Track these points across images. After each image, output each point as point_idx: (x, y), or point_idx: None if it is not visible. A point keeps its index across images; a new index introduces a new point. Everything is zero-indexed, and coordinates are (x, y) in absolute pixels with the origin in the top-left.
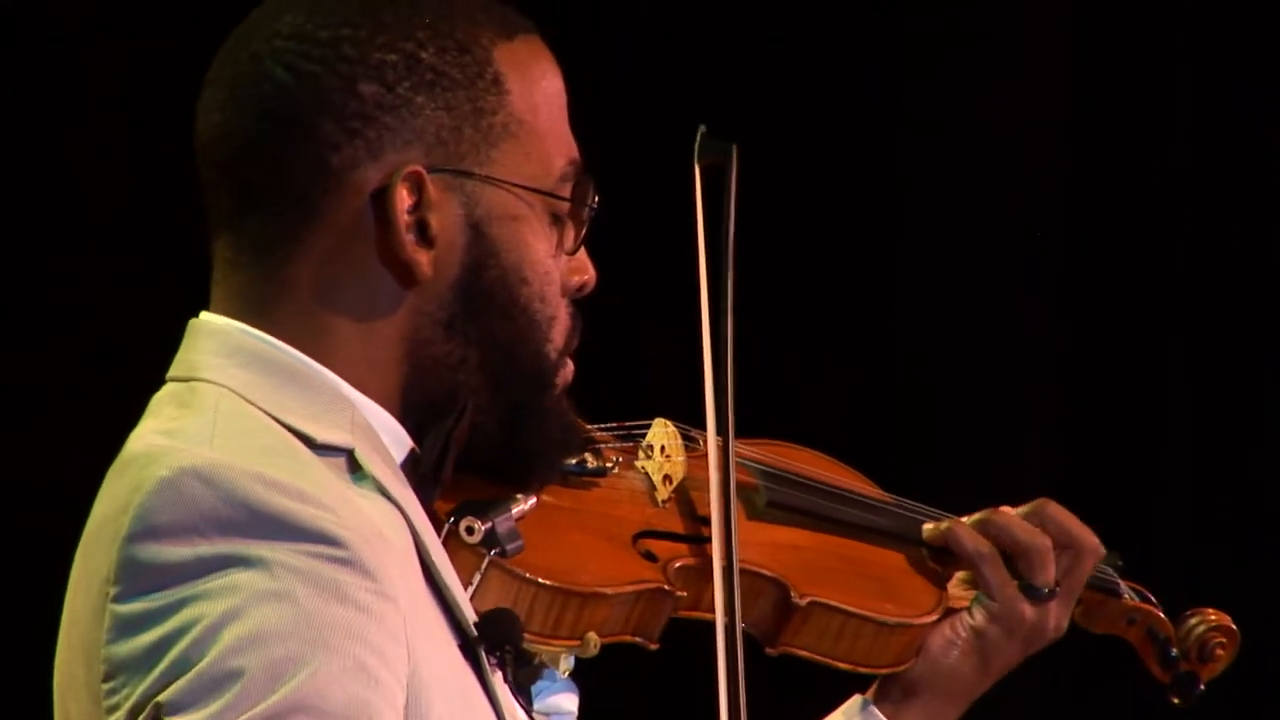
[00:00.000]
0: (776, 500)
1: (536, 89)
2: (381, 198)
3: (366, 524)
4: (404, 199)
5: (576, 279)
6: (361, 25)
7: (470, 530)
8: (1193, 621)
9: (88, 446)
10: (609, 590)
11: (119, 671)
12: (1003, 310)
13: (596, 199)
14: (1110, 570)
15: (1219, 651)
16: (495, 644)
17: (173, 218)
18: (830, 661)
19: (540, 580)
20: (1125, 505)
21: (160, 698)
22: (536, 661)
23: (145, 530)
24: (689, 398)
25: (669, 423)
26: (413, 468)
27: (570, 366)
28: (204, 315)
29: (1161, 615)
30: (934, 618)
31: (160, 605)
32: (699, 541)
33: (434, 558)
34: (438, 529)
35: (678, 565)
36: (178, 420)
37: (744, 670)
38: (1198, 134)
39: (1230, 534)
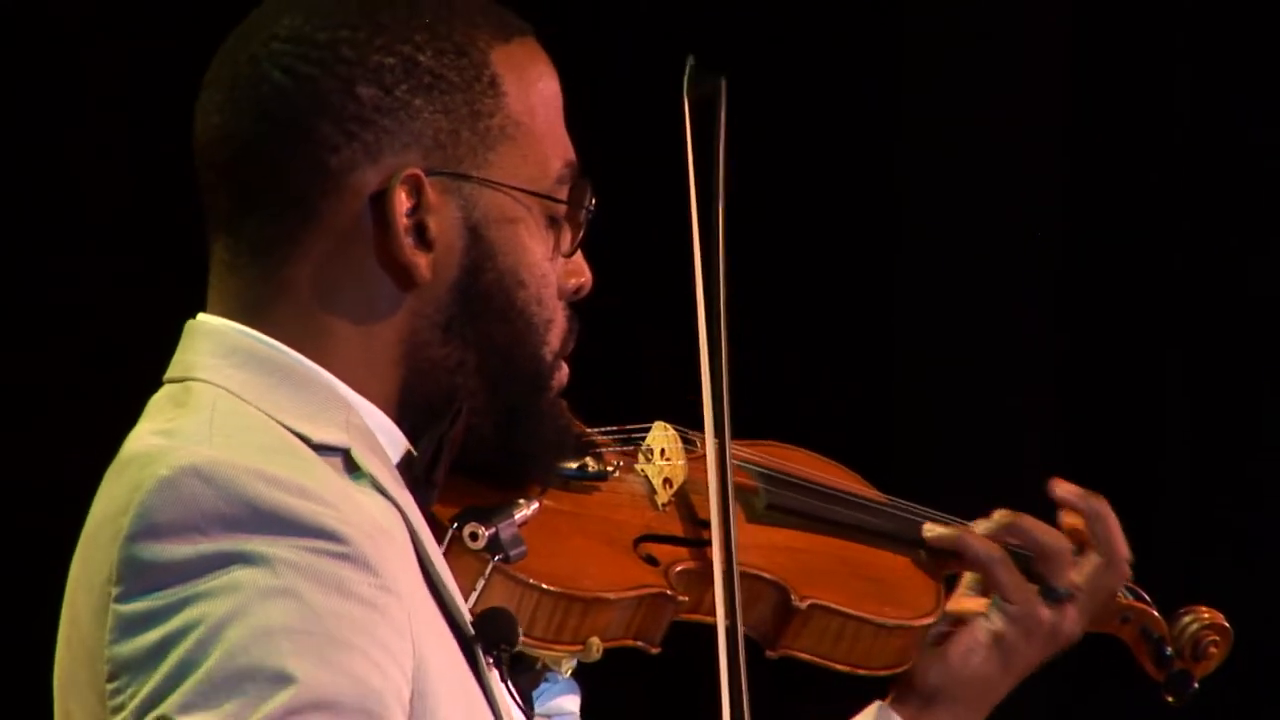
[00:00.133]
0: (775, 503)
1: (533, 91)
2: (380, 200)
3: (367, 519)
4: (402, 201)
5: (573, 281)
6: (360, 28)
7: (474, 536)
8: (1186, 619)
9: (88, 446)
10: (611, 595)
11: (123, 671)
12: (1002, 312)
13: (593, 201)
14: None
15: (1212, 649)
16: (492, 642)
17: (173, 218)
18: (829, 664)
19: (543, 586)
20: (1123, 506)
21: (169, 700)
22: (539, 666)
23: (146, 529)
24: (688, 400)
25: (669, 426)
26: (407, 469)
27: (566, 369)
28: (200, 316)
29: (1156, 614)
30: (932, 619)
31: (163, 604)
32: (700, 545)
33: (431, 556)
34: (439, 535)
35: (679, 569)
36: (175, 420)
37: (746, 673)
38: (1197, 137)
39: (1228, 535)
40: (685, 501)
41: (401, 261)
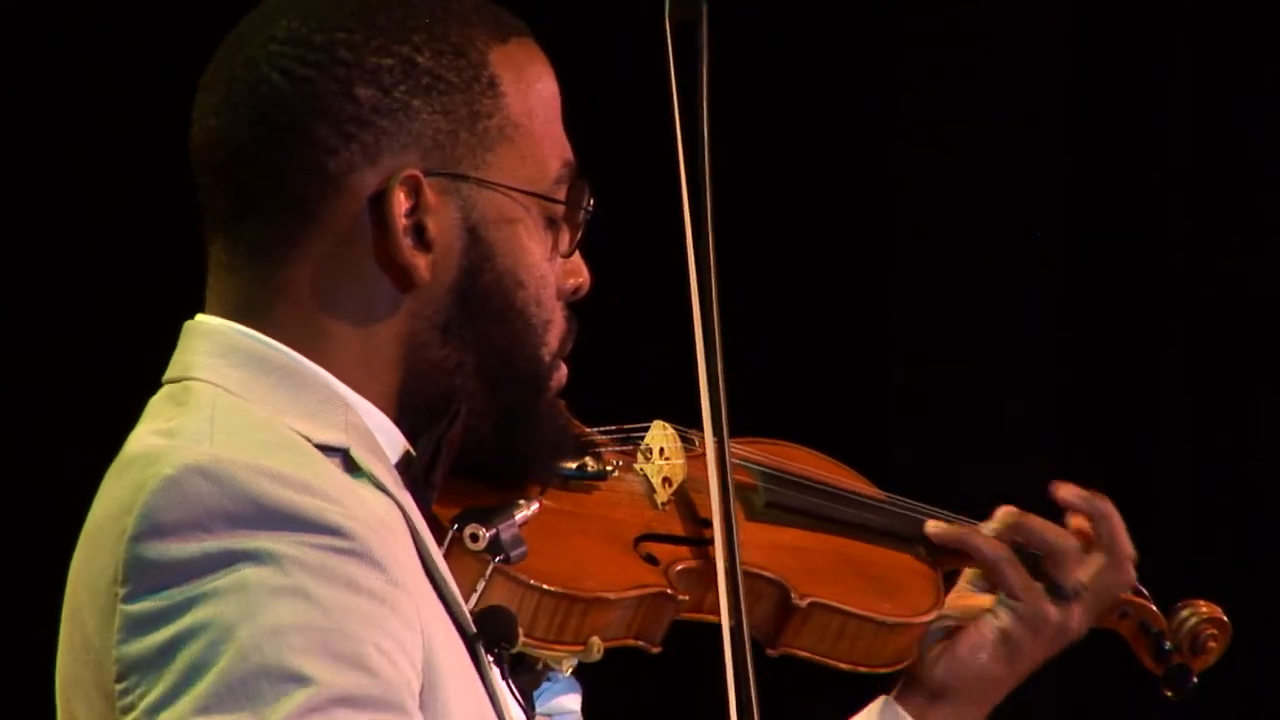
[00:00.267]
0: (775, 501)
1: (531, 92)
2: (379, 202)
3: (372, 515)
4: (401, 203)
5: (571, 281)
6: (357, 29)
7: (475, 537)
8: (1184, 614)
9: (88, 446)
10: (612, 595)
11: (132, 671)
12: (1002, 312)
13: (592, 201)
14: None
15: (1211, 644)
16: (493, 640)
17: (173, 218)
18: (829, 661)
19: (544, 587)
20: (1123, 506)
21: (183, 701)
22: (540, 667)
23: (151, 529)
24: (686, 399)
25: (667, 425)
26: (405, 469)
27: (564, 369)
28: (199, 317)
29: (1154, 608)
30: (932, 617)
31: (171, 604)
32: (700, 543)
33: (432, 555)
34: (440, 535)
35: (679, 568)
36: (175, 419)
37: (753, 672)
38: (1197, 137)
39: (1228, 535)
40: (685, 500)
41: (400, 263)
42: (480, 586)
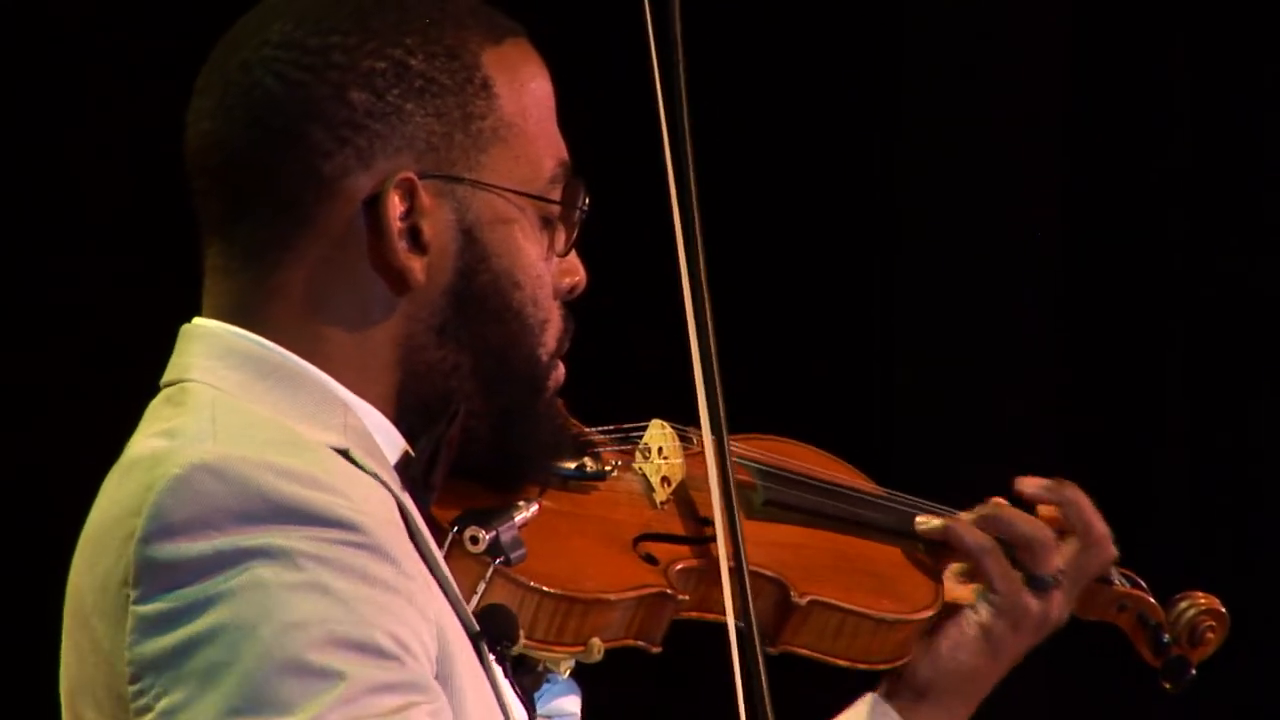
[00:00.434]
0: (774, 499)
1: (525, 92)
2: (373, 205)
3: (378, 508)
4: (396, 206)
5: (568, 281)
6: (351, 33)
7: (474, 539)
8: (1182, 605)
9: (88, 446)
10: (612, 596)
11: (146, 672)
12: (1002, 311)
13: (587, 201)
14: None
15: (1209, 635)
16: (495, 638)
17: (173, 218)
18: (829, 659)
19: (544, 588)
20: (1123, 506)
21: (207, 701)
22: (540, 668)
23: (161, 529)
24: (684, 397)
25: (666, 424)
26: (404, 470)
27: (561, 369)
28: (195, 321)
29: (1152, 600)
30: (931, 613)
31: (184, 604)
32: (699, 542)
33: (433, 555)
34: (440, 538)
35: (679, 568)
36: (175, 420)
37: (764, 670)
38: (1197, 137)
39: (1228, 535)
40: (684, 499)
41: (395, 265)
42: (480, 588)
